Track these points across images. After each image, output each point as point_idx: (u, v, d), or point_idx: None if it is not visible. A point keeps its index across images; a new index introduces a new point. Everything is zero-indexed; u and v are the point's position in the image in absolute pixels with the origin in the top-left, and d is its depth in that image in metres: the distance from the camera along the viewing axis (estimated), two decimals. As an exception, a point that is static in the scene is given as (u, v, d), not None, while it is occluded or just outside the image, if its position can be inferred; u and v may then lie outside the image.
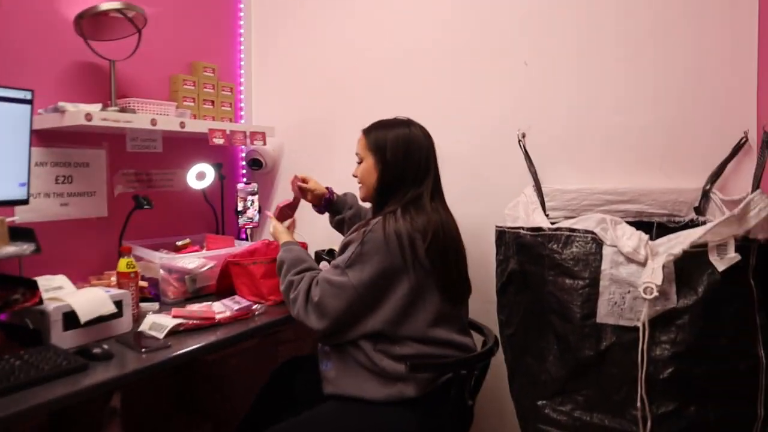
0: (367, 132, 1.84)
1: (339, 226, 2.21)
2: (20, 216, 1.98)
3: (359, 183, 1.87)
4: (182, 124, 2.23)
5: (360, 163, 1.85)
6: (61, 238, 2.13)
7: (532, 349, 1.78)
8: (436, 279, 1.66)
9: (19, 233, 1.66)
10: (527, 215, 1.95)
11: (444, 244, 1.68)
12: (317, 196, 2.16)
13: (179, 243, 2.37)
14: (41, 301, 1.62)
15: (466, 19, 2.35)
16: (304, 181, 2.16)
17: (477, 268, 2.22)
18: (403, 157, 1.74)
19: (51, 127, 1.99)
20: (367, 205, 1.98)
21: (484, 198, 2.29)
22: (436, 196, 1.77)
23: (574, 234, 1.66)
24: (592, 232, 1.65)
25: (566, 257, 1.65)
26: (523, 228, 1.78)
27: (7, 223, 1.64)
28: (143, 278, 2.14)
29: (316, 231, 2.38)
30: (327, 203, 2.18)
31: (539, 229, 1.73)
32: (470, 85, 2.35)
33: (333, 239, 2.21)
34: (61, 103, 1.94)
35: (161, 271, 2.13)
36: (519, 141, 2.22)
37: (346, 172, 2.03)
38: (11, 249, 1.58)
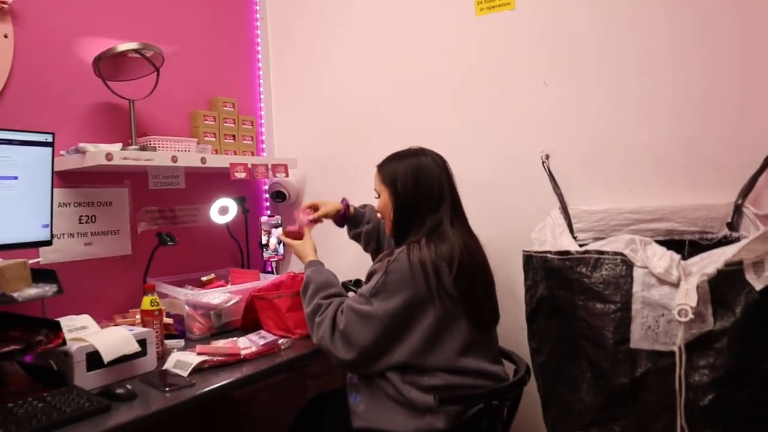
0: (381, 166, 1.85)
1: (356, 238, 2.21)
2: (44, 257, 2.00)
3: (382, 218, 1.88)
4: (203, 160, 2.23)
5: (378, 197, 1.85)
6: (86, 277, 2.14)
7: (564, 376, 1.72)
8: (463, 306, 1.62)
9: (41, 275, 1.66)
10: (554, 238, 1.90)
11: (470, 269, 1.65)
12: (331, 213, 2.15)
13: (204, 278, 2.36)
14: (64, 342, 1.62)
15: (483, 43, 2.33)
16: (314, 208, 2.12)
17: (505, 293, 2.17)
18: (413, 187, 1.74)
19: (73, 168, 2.01)
20: None
21: (509, 222, 2.24)
22: (456, 220, 1.75)
23: (603, 256, 1.61)
24: (622, 254, 1.59)
25: (596, 281, 1.60)
26: (550, 252, 1.73)
27: (29, 265, 1.64)
28: (168, 315, 2.14)
29: (343, 259, 2.36)
30: (342, 219, 2.17)
31: (567, 252, 1.68)
32: (490, 108, 2.32)
33: (361, 268, 2.18)
34: (81, 144, 1.95)
35: (186, 308, 2.12)
36: (543, 162, 2.18)
37: (370, 200, 2.01)
38: (33, 291, 1.58)
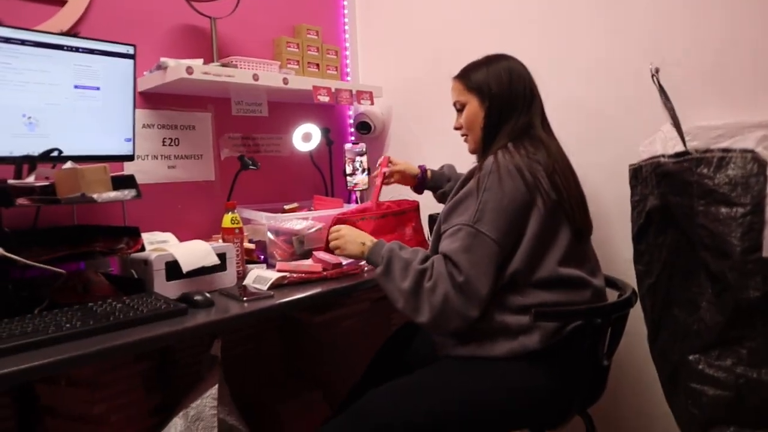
0: (462, 75, 1.70)
1: (442, 199, 2.07)
2: (129, 175, 1.99)
3: (464, 133, 1.70)
4: (285, 81, 2.15)
5: (461, 110, 1.69)
6: (169, 200, 2.12)
7: (679, 297, 1.52)
8: (564, 209, 1.45)
9: (121, 182, 1.63)
10: (665, 151, 1.69)
11: (564, 172, 1.50)
12: (408, 176, 2.05)
13: (287, 207, 2.30)
14: (143, 248, 1.59)
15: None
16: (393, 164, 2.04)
17: (607, 222, 1.97)
18: (508, 87, 1.60)
19: (155, 87, 1.98)
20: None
21: (612, 145, 2.02)
22: (544, 124, 1.61)
23: (729, 155, 1.39)
24: (752, 151, 1.37)
25: (720, 182, 1.39)
26: (663, 156, 1.53)
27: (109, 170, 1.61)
28: (251, 241, 2.09)
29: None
30: (421, 182, 2.07)
31: (684, 153, 1.48)
32: (591, 18, 2.10)
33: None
34: (163, 59, 1.91)
35: (268, 234, 2.06)
36: (652, 76, 1.94)
37: (457, 135, 1.87)
38: (112, 194, 1.55)
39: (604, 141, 2.05)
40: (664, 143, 1.74)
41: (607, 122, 2.05)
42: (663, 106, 1.90)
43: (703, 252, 1.42)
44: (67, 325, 1.28)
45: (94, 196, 1.52)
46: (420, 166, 2.07)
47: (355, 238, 1.69)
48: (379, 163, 2.07)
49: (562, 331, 1.42)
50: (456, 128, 1.73)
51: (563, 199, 1.45)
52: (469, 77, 1.67)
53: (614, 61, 2.05)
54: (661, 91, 1.91)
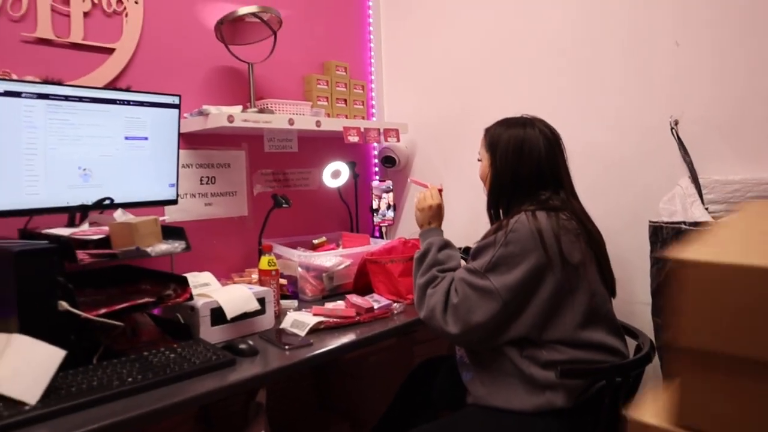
0: (487, 130, 1.76)
1: None
2: (170, 215, 2.09)
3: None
4: (318, 123, 2.25)
5: (480, 161, 1.78)
6: (206, 236, 2.22)
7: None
8: (586, 272, 1.54)
9: (170, 232, 1.72)
10: (684, 209, 1.78)
11: (594, 234, 1.59)
12: None
13: (315, 241, 2.39)
14: (191, 297, 1.68)
15: (606, 1, 2.19)
16: None
17: (625, 267, 2.07)
18: (514, 160, 1.64)
19: (195, 130, 2.07)
20: None
21: (631, 192, 2.12)
22: (569, 194, 1.67)
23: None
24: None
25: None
26: (685, 223, 1.61)
27: (159, 222, 1.71)
28: (282, 276, 2.18)
29: (452, 227, 2.31)
30: None
31: (706, 224, 1.56)
32: (613, 71, 2.18)
33: (471, 236, 2.11)
34: (205, 107, 2.00)
35: (299, 269, 2.16)
36: (671, 129, 2.03)
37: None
38: (164, 246, 1.64)
39: (623, 187, 2.14)
40: (683, 200, 1.83)
41: (626, 170, 2.14)
42: (681, 159, 1.99)
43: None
44: (129, 379, 1.37)
45: (148, 249, 1.61)
46: None
47: (427, 215, 1.86)
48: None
49: (588, 390, 1.51)
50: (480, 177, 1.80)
51: (588, 260, 1.54)
52: (489, 134, 1.74)
53: (636, 112, 2.13)
54: (680, 143, 2.00)
